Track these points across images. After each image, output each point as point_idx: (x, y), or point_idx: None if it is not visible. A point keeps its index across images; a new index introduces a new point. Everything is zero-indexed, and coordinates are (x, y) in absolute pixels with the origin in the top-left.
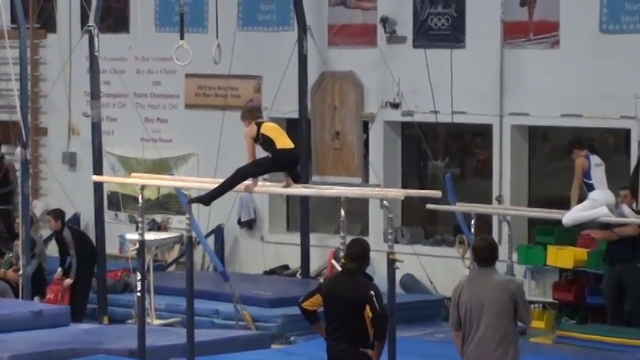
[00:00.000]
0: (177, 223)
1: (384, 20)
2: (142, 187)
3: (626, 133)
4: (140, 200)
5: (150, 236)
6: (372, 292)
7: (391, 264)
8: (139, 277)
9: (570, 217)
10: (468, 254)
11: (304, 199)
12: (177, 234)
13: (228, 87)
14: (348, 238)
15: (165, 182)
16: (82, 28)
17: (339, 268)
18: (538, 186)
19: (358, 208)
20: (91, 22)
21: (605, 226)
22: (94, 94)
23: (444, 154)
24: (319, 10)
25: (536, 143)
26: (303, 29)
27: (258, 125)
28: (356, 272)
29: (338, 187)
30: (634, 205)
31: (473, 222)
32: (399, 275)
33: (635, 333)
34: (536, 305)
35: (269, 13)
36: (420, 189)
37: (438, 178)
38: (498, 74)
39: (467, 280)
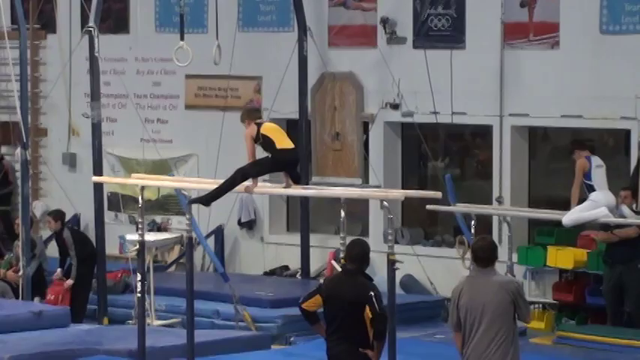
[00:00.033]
0: (178, 223)
1: (384, 21)
2: (142, 188)
3: (626, 133)
4: (140, 201)
5: (150, 237)
6: (372, 293)
7: (391, 265)
8: (139, 278)
9: (570, 217)
10: (468, 255)
11: (304, 200)
12: (178, 235)
13: (228, 88)
14: (348, 239)
15: (166, 183)
16: (82, 28)
17: (339, 269)
18: (538, 187)
19: (358, 209)
20: (91, 23)
21: (606, 226)
22: (94, 95)
23: (444, 154)
24: (319, 11)
25: (537, 144)
26: (303, 30)
27: (258, 125)
28: (356, 273)
29: (338, 187)
30: (634, 206)
31: (473, 223)
32: (399, 276)
33: (635, 334)
34: (536, 306)
35: (269, 14)
36: (420, 190)
37: (438, 179)
38: (498, 75)
39: (466, 280)
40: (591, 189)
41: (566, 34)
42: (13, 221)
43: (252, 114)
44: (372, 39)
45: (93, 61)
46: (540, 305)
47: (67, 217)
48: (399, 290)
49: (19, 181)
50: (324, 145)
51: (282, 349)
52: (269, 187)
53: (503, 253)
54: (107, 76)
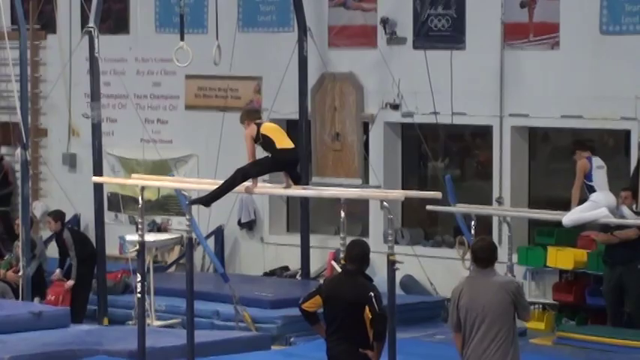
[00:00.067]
0: (178, 224)
1: (384, 21)
2: (142, 188)
3: (627, 134)
4: (140, 201)
5: (150, 237)
6: (372, 294)
7: (391, 265)
8: (139, 279)
9: (570, 217)
10: (468, 255)
11: (304, 201)
12: (178, 235)
13: (228, 88)
14: (348, 240)
15: (166, 183)
16: (82, 29)
17: (339, 270)
18: (538, 187)
19: (358, 210)
20: (91, 24)
21: (606, 227)
22: (94, 96)
23: (444, 155)
24: (319, 11)
25: (537, 144)
26: (303, 30)
27: (258, 125)
28: (356, 273)
29: (338, 188)
30: (634, 207)
31: (473, 223)
32: (398, 276)
33: (635, 334)
34: (536, 306)
35: (269, 14)
36: (420, 190)
37: (438, 179)
38: (498, 75)
39: (466, 281)
40: (592, 190)
41: (566, 35)
42: (13, 222)
43: (251, 115)
44: (372, 39)
45: (93, 61)
46: (540, 306)
47: (67, 218)
48: (399, 291)
49: (19, 182)
50: (324, 145)
51: (282, 349)
52: (269, 188)
53: (503, 253)
54: (107, 76)
